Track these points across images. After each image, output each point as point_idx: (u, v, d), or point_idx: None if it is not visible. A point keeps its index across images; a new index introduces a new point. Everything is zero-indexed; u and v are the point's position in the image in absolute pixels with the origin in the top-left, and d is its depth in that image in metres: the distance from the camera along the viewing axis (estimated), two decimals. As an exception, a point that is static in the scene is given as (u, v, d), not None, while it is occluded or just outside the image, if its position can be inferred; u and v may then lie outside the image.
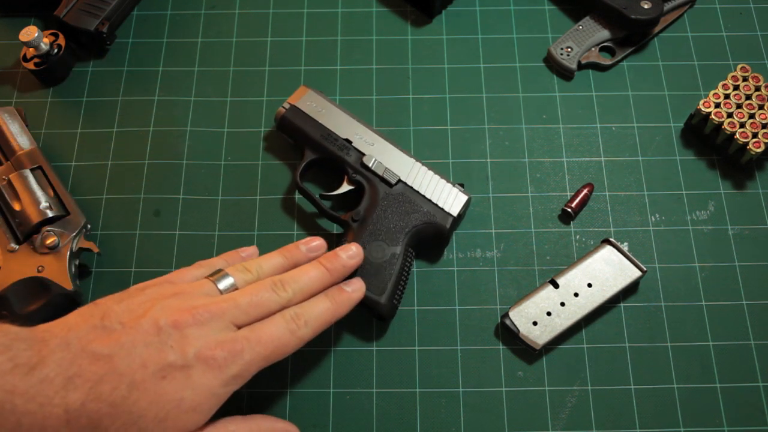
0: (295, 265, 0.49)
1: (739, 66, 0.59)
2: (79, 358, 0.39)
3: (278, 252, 0.50)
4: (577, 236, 0.57)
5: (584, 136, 0.61)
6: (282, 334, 0.44)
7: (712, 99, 0.58)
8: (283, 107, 0.59)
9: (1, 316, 0.51)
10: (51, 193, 0.55)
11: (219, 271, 0.47)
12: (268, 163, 0.61)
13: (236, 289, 0.46)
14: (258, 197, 0.59)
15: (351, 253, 0.51)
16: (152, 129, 0.62)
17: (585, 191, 0.58)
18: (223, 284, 0.46)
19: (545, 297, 0.53)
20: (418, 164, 0.56)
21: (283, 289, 0.46)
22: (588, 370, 0.53)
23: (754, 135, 0.57)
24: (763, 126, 0.57)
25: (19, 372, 0.38)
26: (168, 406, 0.40)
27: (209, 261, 0.50)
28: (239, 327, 0.44)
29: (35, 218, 0.53)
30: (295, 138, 0.58)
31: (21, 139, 0.57)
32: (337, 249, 0.51)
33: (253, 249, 0.53)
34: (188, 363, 0.41)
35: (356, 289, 0.50)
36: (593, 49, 0.64)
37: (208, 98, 0.63)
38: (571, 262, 0.55)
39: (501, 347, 0.53)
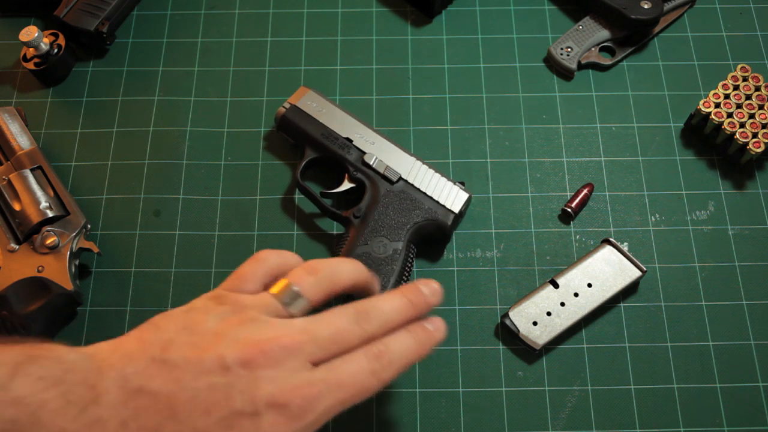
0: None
1: (739, 66, 0.59)
2: (136, 399, 0.35)
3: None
4: (577, 236, 0.57)
5: (584, 136, 0.61)
6: (364, 377, 0.38)
7: (712, 99, 0.58)
8: (284, 107, 0.59)
9: (1, 317, 0.51)
10: (51, 193, 0.55)
11: (285, 285, 0.41)
12: (268, 163, 0.61)
13: (307, 305, 0.41)
14: (258, 197, 0.59)
15: (433, 289, 0.44)
16: (152, 129, 0.62)
17: (585, 191, 0.58)
18: (294, 308, 0.40)
19: (545, 297, 0.53)
20: (419, 162, 0.56)
21: (367, 322, 0.40)
22: (588, 370, 0.53)
23: (754, 135, 0.57)
24: (763, 126, 0.57)
25: (71, 412, 0.33)
26: None
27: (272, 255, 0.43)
28: (315, 364, 0.38)
29: (35, 218, 0.53)
30: (296, 137, 0.58)
31: (21, 139, 0.57)
32: (418, 283, 0.44)
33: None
34: (258, 410, 0.35)
35: (438, 328, 0.43)
36: (593, 49, 0.64)
37: (208, 98, 0.63)
38: (571, 262, 0.55)
39: (501, 347, 0.53)
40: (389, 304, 0.42)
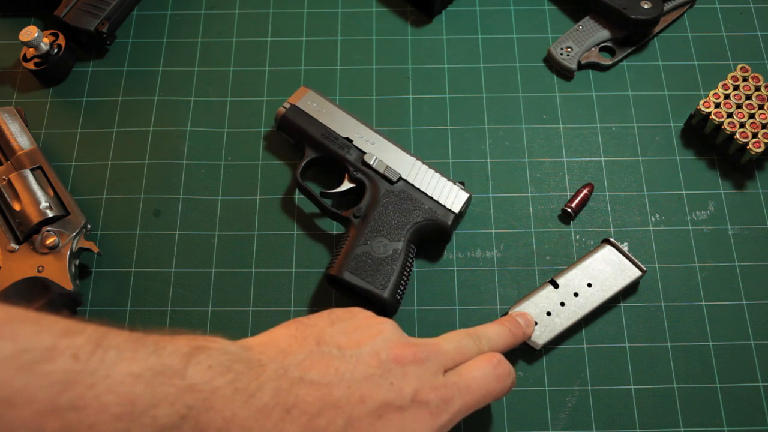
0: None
1: (739, 66, 0.59)
2: (297, 387, 0.37)
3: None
4: (577, 236, 0.57)
5: (584, 136, 0.61)
6: (489, 381, 0.42)
7: (712, 99, 0.58)
8: (284, 107, 0.59)
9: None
10: (51, 193, 0.55)
11: None
12: (268, 163, 0.61)
13: None
14: (258, 197, 0.59)
15: (528, 321, 0.51)
16: (152, 129, 0.62)
17: (585, 191, 0.58)
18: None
19: (545, 297, 0.53)
20: (419, 162, 0.56)
21: (479, 340, 0.45)
22: (588, 370, 0.53)
23: (754, 135, 0.57)
24: (763, 126, 0.57)
25: (239, 398, 0.35)
26: None
27: None
28: (444, 372, 0.42)
29: (35, 218, 0.53)
30: (296, 137, 0.58)
31: (21, 139, 0.57)
32: (514, 315, 0.51)
33: None
34: (404, 405, 0.38)
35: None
36: (593, 49, 0.64)
37: (208, 98, 0.63)
38: (571, 262, 0.55)
39: (501, 347, 0.53)
40: (493, 330, 0.47)
